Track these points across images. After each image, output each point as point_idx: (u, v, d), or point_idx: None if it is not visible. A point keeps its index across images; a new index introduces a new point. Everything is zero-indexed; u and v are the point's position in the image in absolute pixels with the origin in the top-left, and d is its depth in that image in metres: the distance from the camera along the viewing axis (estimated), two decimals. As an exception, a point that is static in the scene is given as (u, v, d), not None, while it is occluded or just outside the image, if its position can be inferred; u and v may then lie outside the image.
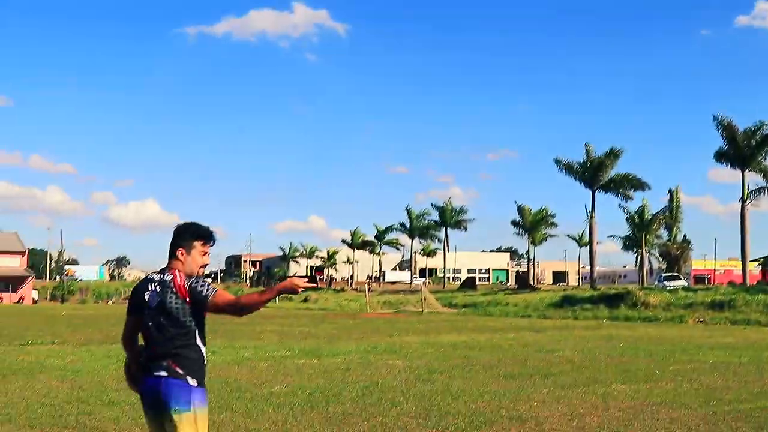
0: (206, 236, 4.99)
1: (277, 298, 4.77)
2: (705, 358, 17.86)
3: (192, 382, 4.73)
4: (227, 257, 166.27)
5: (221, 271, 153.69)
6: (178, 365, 4.73)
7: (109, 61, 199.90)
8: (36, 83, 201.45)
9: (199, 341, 4.81)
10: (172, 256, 4.93)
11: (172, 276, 4.84)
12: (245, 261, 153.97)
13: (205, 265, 5.01)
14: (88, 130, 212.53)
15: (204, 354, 4.86)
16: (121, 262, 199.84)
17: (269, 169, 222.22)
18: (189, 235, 4.95)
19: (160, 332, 4.78)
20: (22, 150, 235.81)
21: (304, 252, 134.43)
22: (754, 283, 61.88)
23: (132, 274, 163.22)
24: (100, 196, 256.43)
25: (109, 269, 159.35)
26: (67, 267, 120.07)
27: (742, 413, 10.29)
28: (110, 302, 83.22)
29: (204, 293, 4.72)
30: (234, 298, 4.76)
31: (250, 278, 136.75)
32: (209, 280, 4.89)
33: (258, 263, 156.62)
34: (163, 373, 4.73)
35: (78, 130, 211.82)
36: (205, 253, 4.98)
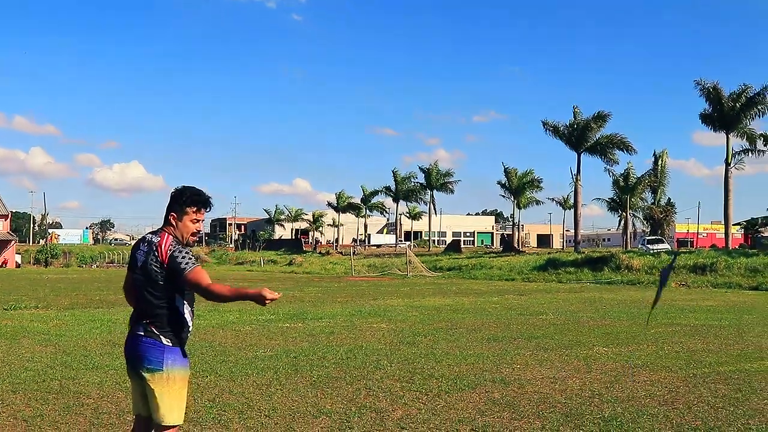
0: (199, 203, 4.93)
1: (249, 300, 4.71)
2: (686, 321, 18.01)
3: (166, 341, 4.75)
4: (212, 220, 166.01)
5: (206, 234, 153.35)
6: (154, 325, 4.78)
7: (94, 23, 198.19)
8: (19, 44, 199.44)
9: (180, 304, 4.79)
10: (166, 219, 4.92)
11: (159, 238, 4.83)
12: (230, 224, 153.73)
13: (196, 233, 4.98)
14: (73, 91, 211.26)
15: (186, 317, 4.84)
16: (105, 225, 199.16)
17: (254, 131, 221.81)
18: (182, 200, 4.89)
19: (143, 292, 4.82)
20: (6, 111, 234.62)
21: (290, 215, 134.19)
22: (736, 247, 62.28)
23: (117, 237, 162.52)
24: (85, 158, 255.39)
25: (93, 233, 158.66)
26: (50, 230, 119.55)
27: (722, 375, 10.39)
28: (94, 266, 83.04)
29: (182, 266, 4.67)
30: (208, 283, 4.64)
31: (235, 241, 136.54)
32: (194, 251, 4.82)
33: (243, 226, 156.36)
34: (141, 332, 4.82)
35: (62, 91, 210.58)
36: (198, 220, 4.95)
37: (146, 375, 4.76)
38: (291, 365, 11.20)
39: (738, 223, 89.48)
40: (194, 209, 4.90)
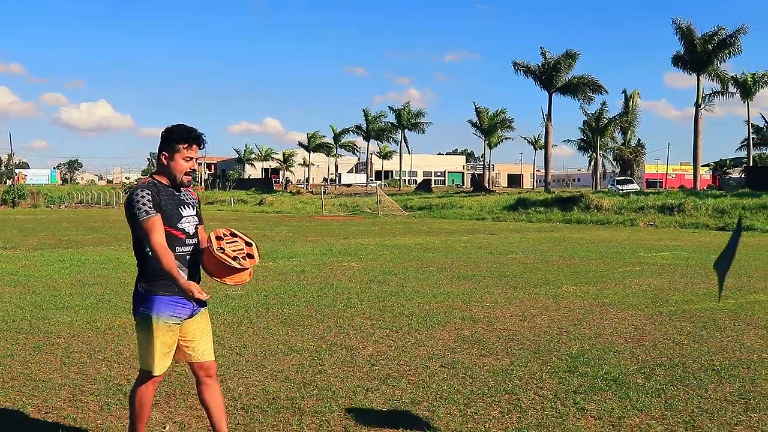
0: (191, 139, 4.72)
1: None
2: (654, 261, 18.23)
3: (140, 289, 4.68)
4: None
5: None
6: (138, 271, 4.72)
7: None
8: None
9: (152, 251, 4.62)
10: (158, 162, 4.77)
11: (137, 182, 4.75)
12: (200, 164, 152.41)
13: (191, 172, 4.78)
14: (39, 29, 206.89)
15: (165, 264, 4.58)
16: (72, 165, 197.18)
17: (225, 70, 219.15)
18: (172, 137, 4.69)
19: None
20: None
21: (260, 154, 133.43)
22: (705, 188, 62.90)
23: (85, 178, 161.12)
24: (51, 97, 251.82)
25: (60, 173, 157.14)
26: (17, 171, 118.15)
27: (687, 314, 10.56)
28: (63, 206, 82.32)
29: (135, 215, 4.52)
30: (156, 241, 4.47)
31: (205, 181, 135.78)
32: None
33: (213, 166, 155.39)
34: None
35: (28, 29, 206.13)
36: (191, 158, 4.75)
37: (134, 320, 4.78)
38: (262, 304, 11.24)
39: (707, 165, 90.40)
40: (185, 146, 4.69)
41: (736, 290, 12.94)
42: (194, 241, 4.79)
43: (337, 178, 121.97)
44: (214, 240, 4.68)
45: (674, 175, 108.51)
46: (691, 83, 59.55)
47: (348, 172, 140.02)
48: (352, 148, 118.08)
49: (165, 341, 4.70)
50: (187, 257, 4.72)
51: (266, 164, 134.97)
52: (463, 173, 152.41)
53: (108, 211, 59.68)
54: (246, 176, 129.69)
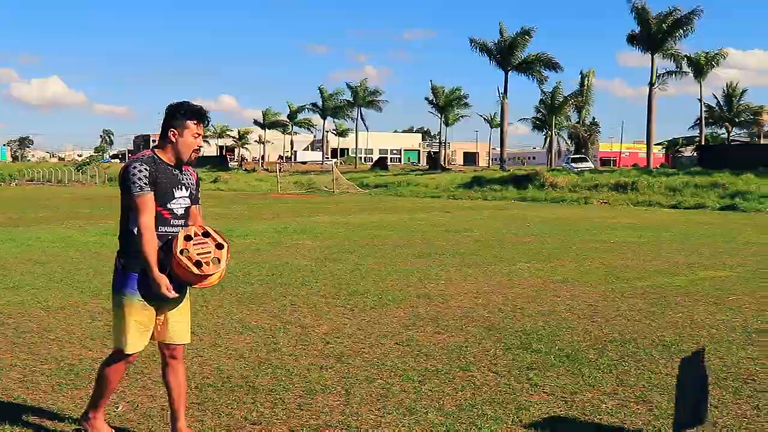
0: (201, 115, 4.68)
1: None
2: (607, 238, 18.43)
3: (119, 264, 4.64)
4: (136, 137, 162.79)
5: (129, 151, 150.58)
6: (120, 247, 4.66)
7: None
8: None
9: (134, 227, 4.52)
10: (164, 137, 4.68)
11: (138, 155, 4.66)
12: (154, 141, 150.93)
13: (198, 149, 4.73)
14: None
15: (144, 240, 4.50)
16: (24, 142, 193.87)
17: (178, 46, 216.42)
18: (181, 114, 4.62)
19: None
20: None
21: (215, 131, 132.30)
22: (658, 166, 63.67)
23: (36, 155, 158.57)
24: (2, 72, 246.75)
25: (11, 150, 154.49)
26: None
27: (640, 290, 10.70)
28: (13, 184, 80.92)
29: (129, 188, 4.46)
30: (143, 221, 4.43)
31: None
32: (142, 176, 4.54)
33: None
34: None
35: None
36: (199, 134, 4.70)
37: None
38: (216, 283, 11.13)
39: (660, 143, 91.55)
40: (195, 122, 4.64)
41: (687, 267, 13.14)
42: (180, 222, 4.68)
43: (292, 155, 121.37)
44: (181, 240, 4.53)
45: (628, 154, 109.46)
46: (645, 62, 60.24)
47: (304, 149, 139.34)
48: (307, 126, 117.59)
49: (139, 319, 4.63)
50: (169, 237, 4.60)
51: (221, 141, 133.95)
52: (419, 151, 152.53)
53: (60, 189, 58.80)
54: (202, 153, 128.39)
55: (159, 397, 5.66)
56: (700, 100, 68.77)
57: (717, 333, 8.00)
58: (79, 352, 7.09)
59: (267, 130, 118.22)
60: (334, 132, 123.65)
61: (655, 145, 73.54)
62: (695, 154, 68.52)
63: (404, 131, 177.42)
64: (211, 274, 4.57)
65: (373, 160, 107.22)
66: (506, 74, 67.45)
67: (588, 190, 40.41)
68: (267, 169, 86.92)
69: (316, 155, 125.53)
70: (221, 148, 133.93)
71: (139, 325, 4.62)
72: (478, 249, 15.86)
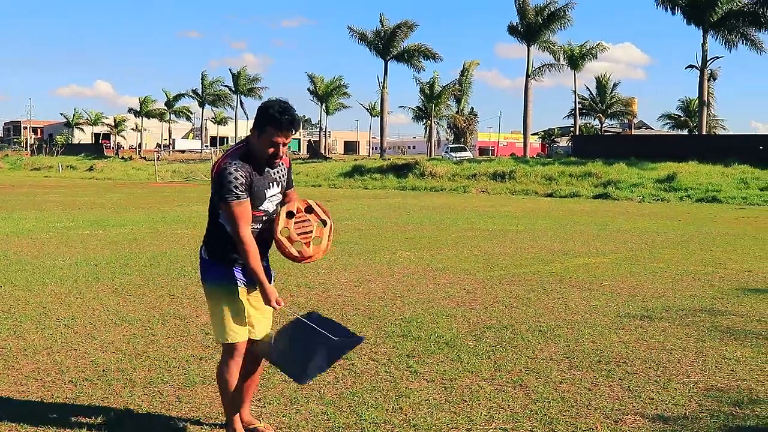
0: (281, 124, 4.21)
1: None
2: (485, 226, 18.76)
3: (205, 254, 4.57)
4: (5, 123, 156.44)
5: (0, 138, 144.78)
6: (205, 236, 4.61)
7: None
8: None
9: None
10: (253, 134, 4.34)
11: (232, 150, 4.39)
12: (25, 128, 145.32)
13: (275, 155, 4.31)
14: None
15: (240, 237, 4.30)
16: None
17: (50, 29, 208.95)
18: (261, 116, 4.26)
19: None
20: None
21: (90, 119, 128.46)
22: (534, 156, 65.23)
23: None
24: None
25: None
26: None
27: (516, 277, 10.93)
28: None
29: (224, 195, 4.21)
30: (239, 229, 4.25)
31: (31, 146, 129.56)
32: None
33: (40, 130, 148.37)
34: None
35: None
36: (278, 143, 4.26)
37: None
38: (91, 273, 10.84)
39: (536, 133, 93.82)
40: (274, 128, 4.22)
41: (562, 254, 13.50)
42: (273, 217, 4.51)
43: (171, 144, 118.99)
44: (282, 217, 4.38)
45: (505, 143, 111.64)
46: (522, 54, 61.54)
47: (182, 138, 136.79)
48: (186, 114, 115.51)
49: (232, 307, 4.48)
50: (257, 232, 4.43)
51: (96, 129, 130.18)
52: (299, 140, 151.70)
53: None
54: (75, 141, 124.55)
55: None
56: (575, 92, 70.86)
57: (591, 318, 8.23)
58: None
59: (144, 118, 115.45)
60: (213, 120, 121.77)
61: (532, 135, 75.36)
62: (570, 144, 70.48)
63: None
64: (307, 258, 4.51)
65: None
66: (386, 63, 67.80)
67: (467, 179, 41.06)
68: (144, 158, 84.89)
69: (196, 144, 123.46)
70: (97, 135, 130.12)
71: (235, 312, 4.50)
72: (359, 237, 15.89)
